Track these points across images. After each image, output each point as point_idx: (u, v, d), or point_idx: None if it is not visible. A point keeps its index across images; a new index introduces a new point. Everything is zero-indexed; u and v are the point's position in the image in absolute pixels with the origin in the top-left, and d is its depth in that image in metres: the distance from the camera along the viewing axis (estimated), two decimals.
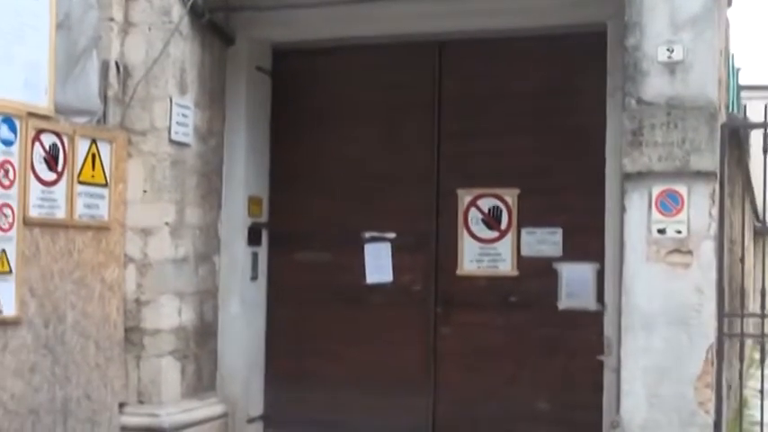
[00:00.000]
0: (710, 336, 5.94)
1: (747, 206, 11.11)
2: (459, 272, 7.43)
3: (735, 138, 7.84)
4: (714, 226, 5.95)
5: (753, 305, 11.52)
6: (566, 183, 7.14)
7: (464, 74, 7.54)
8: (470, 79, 7.51)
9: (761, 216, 15.89)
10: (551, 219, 7.21)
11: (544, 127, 7.25)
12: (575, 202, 7.09)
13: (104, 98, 6.93)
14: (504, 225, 7.35)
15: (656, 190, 6.02)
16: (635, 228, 6.07)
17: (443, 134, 7.53)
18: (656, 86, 6.05)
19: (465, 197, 7.44)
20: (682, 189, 5.97)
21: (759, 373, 6.36)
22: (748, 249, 12.65)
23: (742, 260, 7.83)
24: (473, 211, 7.42)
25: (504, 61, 7.44)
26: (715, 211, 5.95)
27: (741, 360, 6.32)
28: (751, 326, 7.77)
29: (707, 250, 5.93)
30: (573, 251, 7.15)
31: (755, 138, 6.84)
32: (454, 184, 7.46)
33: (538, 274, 7.22)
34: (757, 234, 19.45)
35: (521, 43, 7.38)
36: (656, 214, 6.01)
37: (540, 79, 7.31)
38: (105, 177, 6.79)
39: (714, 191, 5.95)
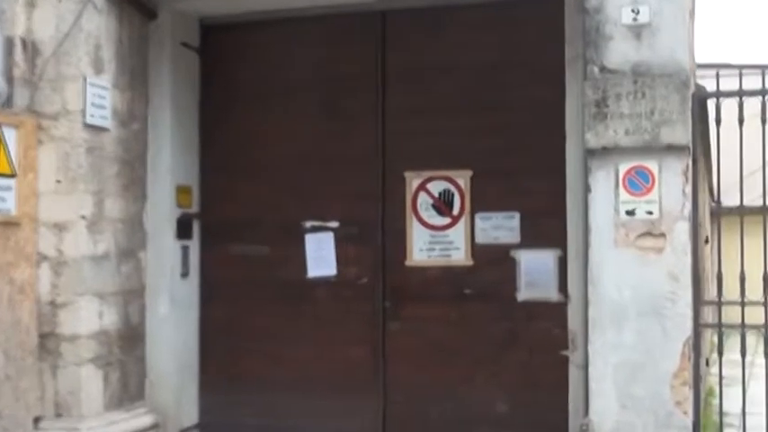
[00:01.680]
0: (687, 327, 5.38)
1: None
2: (408, 262, 6.81)
3: (701, 109, 7.24)
4: (688, 205, 5.38)
5: (709, 292, 10.96)
6: (523, 162, 6.54)
7: (409, 46, 6.91)
8: (416, 52, 6.89)
9: (716, 195, 15.50)
10: (508, 202, 6.61)
11: (498, 102, 6.65)
12: (533, 184, 6.50)
13: (9, 79, 6.22)
14: (456, 210, 6.75)
15: (624, 167, 5.45)
16: (601, 210, 5.50)
17: (388, 112, 6.90)
18: (620, 52, 5.47)
19: (413, 180, 6.83)
20: (652, 165, 5.40)
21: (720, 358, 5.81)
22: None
23: (708, 242, 7.28)
24: (422, 195, 6.81)
25: (454, 31, 6.82)
26: (689, 189, 5.38)
27: (720, 354, 5.76)
28: (711, 315, 7.25)
29: (681, 233, 5.37)
30: (532, 237, 6.55)
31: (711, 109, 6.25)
32: (401, 167, 6.84)
33: (494, 262, 6.62)
34: (713, 215, 19.07)
35: (471, 11, 6.77)
36: (624, 194, 5.44)
37: (494, 50, 6.71)
38: (12, 167, 6.09)
39: (687, 166, 5.38)
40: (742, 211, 5.68)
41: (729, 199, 5.89)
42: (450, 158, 6.74)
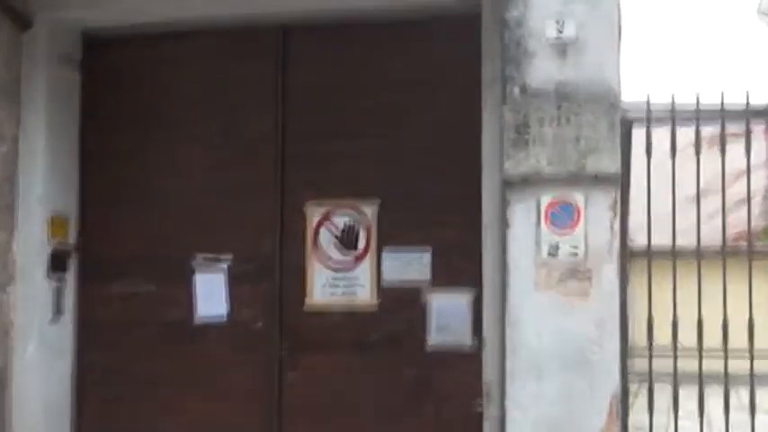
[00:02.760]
0: (614, 381, 4.78)
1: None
2: (308, 304, 6.13)
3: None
4: (616, 244, 4.80)
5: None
6: (436, 193, 5.92)
7: (313, 64, 6.26)
8: (321, 70, 6.25)
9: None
10: (419, 237, 5.96)
11: (410, 127, 6.03)
12: (447, 217, 5.87)
13: None
14: (361, 245, 6.09)
15: (546, 199, 4.86)
16: (520, 247, 4.91)
17: (289, 136, 6.23)
18: (544, 71, 4.89)
19: (315, 212, 6.16)
20: (577, 198, 4.83)
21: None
22: None
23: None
24: (325, 228, 6.15)
25: (363, 49, 6.20)
26: (617, 226, 4.81)
27: (650, 410, 5.18)
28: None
29: (608, 274, 4.79)
30: (445, 276, 5.91)
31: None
32: (302, 197, 6.17)
33: (402, 304, 5.97)
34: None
35: (381, 28, 6.15)
36: (546, 230, 4.86)
37: (405, 70, 6.09)
38: None
39: (616, 200, 4.81)
40: (650, 254, 5.32)
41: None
42: (356, 188, 6.09)
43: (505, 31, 4.96)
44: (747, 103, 5.51)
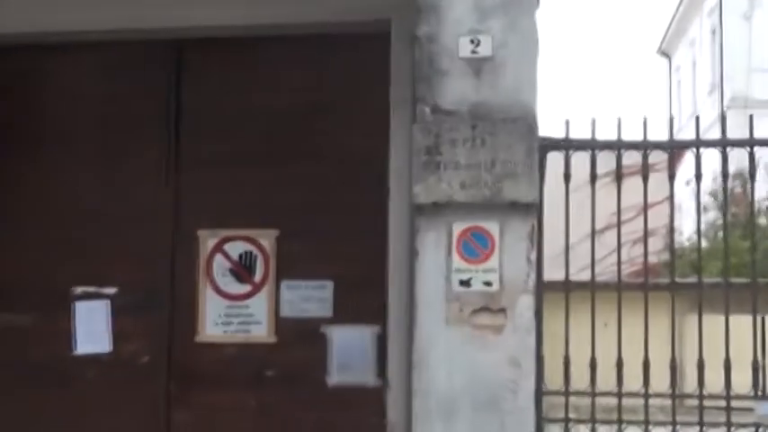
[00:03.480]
0: (530, 424, 4.45)
1: None
2: (199, 338, 5.68)
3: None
4: (533, 276, 4.50)
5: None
6: (340, 221, 5.54)
7: (211, 82, 5.85)
8: (219, 89, 5.84)
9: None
10: (320, 268, 5.58)
11: (312, 151, 5.66)
12: (350, 247, 5.50)
13: None
14: (258, 277, 5.68)
15: (459, 228, 4.53)
16: (430, 279, 4.57)
17: (182, 160, 5.80)
18: (457, 90, 4.58)
19: (208, 240, 5.73)
20: (492, 227, 4.51)
21: None
22: None
23: None
24: (219, 258, 5.72)
25: (266, 67, 5.82)
26: (534, 256, 4.50)
27: None
28: None
29: (524, 309, 4.48)
30: (347, 310, 5.53)
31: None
32: (195, 224, 5.73)
33: (302, 340, 5.56)
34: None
35: (283, 45, 5.79)
36: (458, 260, 4.52)
37: (311, 91, 5.72)
38: None
39: (533, 229, 4.51)
40: (568, 287, 5.05)
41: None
42: (254, 215, 5.69)
43: (417, 47, 4.64)
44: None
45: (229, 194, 5.72)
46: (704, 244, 18.03)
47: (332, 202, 5.57)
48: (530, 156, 4.46)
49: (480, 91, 4.54)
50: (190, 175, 5.77)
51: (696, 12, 33.03)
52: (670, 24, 36.45)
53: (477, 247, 4.50)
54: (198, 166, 5.76)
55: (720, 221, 15.38)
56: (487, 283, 4.48)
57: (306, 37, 5.74)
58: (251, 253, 5.71)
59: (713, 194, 19.30)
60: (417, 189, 4.52)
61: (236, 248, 5.72)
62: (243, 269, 5.71)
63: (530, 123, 4.49)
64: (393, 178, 5.14)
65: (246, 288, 5.71)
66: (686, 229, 20.03)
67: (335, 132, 5.62)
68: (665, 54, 38.27)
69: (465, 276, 4.50)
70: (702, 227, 19.81)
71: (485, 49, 4.55)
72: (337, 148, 5.60)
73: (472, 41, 4.56)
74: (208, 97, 5.85)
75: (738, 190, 19.42)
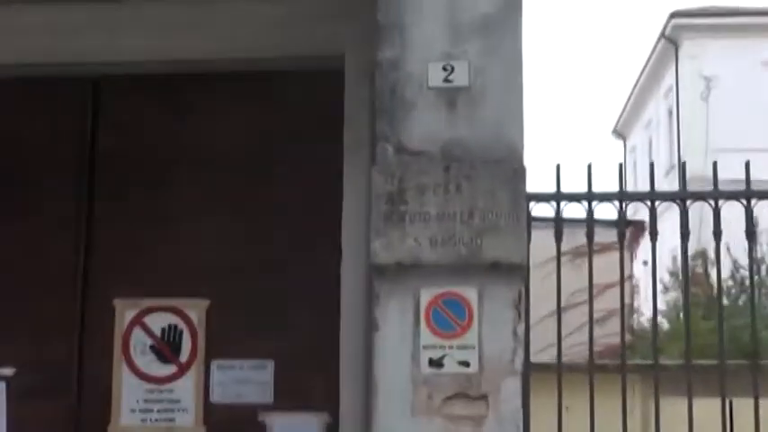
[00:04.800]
0: None
1: None
2: (113, 428, 4.73)
3: None
4: (521, 353, 3.63)
5: None
6: (283, 287, 4.66)
7: (132, 126, 4.98)
8: (141, 135, 4.97)
9: None
10: (259, 345, 4.67)
11: (251, 204, 4.79)
12: (296, 318, 4.60)
13: None
14: (185, 355, 4.77)
15: (428, 294, 3.67)
16: (392, 357, 3.70)
17: (96, 214, 4.90)
18: (426, 126, 3.76)
19: (126, 311, 4.80)
20: (469, 293, 3.66)
21: None
22: None
23: None
24: (138, 332, 4.81)
25: (196, 109, 4.98)
26: (522, 330, 3.64)
27: None
28: None
29: (510, 394, 3.60)
30: (291, 395, 4.62)
31: None
32: (111, 292, 4.81)
33: (236, 430, 4.66)
34: None
35: (221, 82, 4.97)
36: (427, 335, 3.66)
37: (248, 135, 4.88)
38: None
39: (520, 295, 3.66)
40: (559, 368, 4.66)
41: None
42: (181, 282, 4.78)
43: (378, 75, 3.83)
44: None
45: (152, 256, 4.82)
46: (666, 325, 17.58)
47: (275, 263, 4.70)
48: (516, 205, 3.62)
49: (455, 126, 3.72)
50: (105, 233, 4.87)
51: (652, 93, 33.03)
52: (625, 106, 36.45)
53: (451, 317, 3.64)
54: (115, 223, 4.86)
55: (681, 302, 15.01)
56: (464, 363, 3.60)
57: (248, 72, 4.92)
58: (176, 326, 4.80)
59: (673, 274, 19.09)
60: (377, 246, 3.66)
61: (158, 321, 4.81)
62: (166, 346, 4.80)
63: (515, 166, 3.66)
64: (347, 234, 4.27)
65: (171, 369, 4.79)
66: (646, 310, 19.60)
67: (280, 182, 4.77)
68: (621, 135, 38.22)
69: (436, 354, 3.63)
70: (663, 307, 19.37)
71: (460, 78, 3.73)
72: (281, 200, 4.73)
73: (445, 68, 3.74)
74: (129, 143, 4.97)
75: (699, 270, 19.09)
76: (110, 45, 4.84)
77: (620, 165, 5.04)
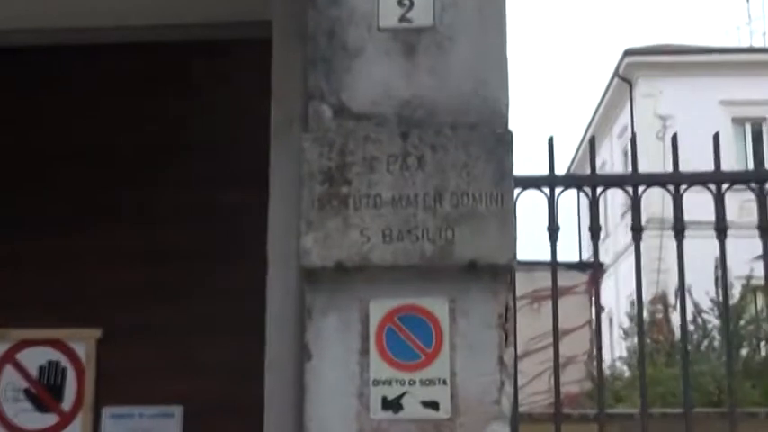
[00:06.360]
0: None
1: None
2: None
3: None
4: (509, 389, 2.61)
5: None
6: (194, 313, 3.65)
7: (14, 113, 3.96)
8: (26, 123, 3.97)
9: None
10: (163, 386, 3.65)
11: (154, 208, 3.80)
12: (210, 352, 3.60)
13: None
14: (69, 401, 3.74)
15: (381, 309, 2.66)
16: (330, 397, 2.68)
17: None
18: (377, 80, 2.76)
19: None
20: (437, 307, 2.64)
21: None
22: None
23: None
24: (10, 372, 3.78)
25: (84, 89, 3.97)
26: (510, 357, 2.63)
27: None
28: None
29: None
30: None
31: None
32: None
33: None
34: None
35: (119, 57, 3.97)
36: (380, 365, 2.64)
37: (151, 119, 3.90)
38: None
39: (507, 308, 2.65)
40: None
41: None
42: (64, 308, 3.75)
43: (311, 14, 2.83)
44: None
45: (27, 277, 3.79)
46: (627, 373, 16.84)
47: (183, 283, 3.68)
48: (500, 184, 2.62)
49: (415, 80, 2.73)
50: None
51: (605, 134, 32.45)
52: (578, 148, 35.94)
53: (412, 341, 2.63)
54: None
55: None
56: (431, 405, 2.59)
57: (150, 46, 3.92)
58: (58, 364, 3.77)
59: (633, 318, 18.53)
60: (308, 242, 2.64)
61: (35, 358, 3.78)
62: (45, 390, 3.76)
63: (498, 131, 2.67)
64: (274, 240, 3.24)
65: (51, 419, 3.75)
66: (605, 357, 18.94)
67: (190, 179, 3.76)
68: None
69: (392, 393, 2.61)
70: (624, 354, 18.66)
71: (421, 15, 2.76)
72: (191, 203, 3.73)
73: (401, 3, 2.78)
74: (14, 132, 3.96)
75: (660, 316, 18.49)
76: None
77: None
